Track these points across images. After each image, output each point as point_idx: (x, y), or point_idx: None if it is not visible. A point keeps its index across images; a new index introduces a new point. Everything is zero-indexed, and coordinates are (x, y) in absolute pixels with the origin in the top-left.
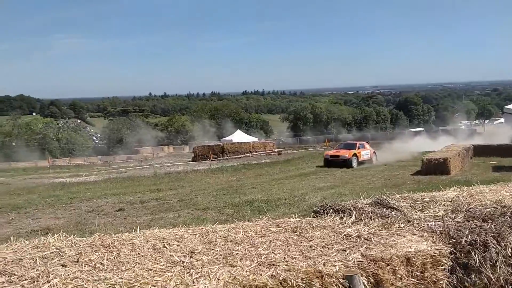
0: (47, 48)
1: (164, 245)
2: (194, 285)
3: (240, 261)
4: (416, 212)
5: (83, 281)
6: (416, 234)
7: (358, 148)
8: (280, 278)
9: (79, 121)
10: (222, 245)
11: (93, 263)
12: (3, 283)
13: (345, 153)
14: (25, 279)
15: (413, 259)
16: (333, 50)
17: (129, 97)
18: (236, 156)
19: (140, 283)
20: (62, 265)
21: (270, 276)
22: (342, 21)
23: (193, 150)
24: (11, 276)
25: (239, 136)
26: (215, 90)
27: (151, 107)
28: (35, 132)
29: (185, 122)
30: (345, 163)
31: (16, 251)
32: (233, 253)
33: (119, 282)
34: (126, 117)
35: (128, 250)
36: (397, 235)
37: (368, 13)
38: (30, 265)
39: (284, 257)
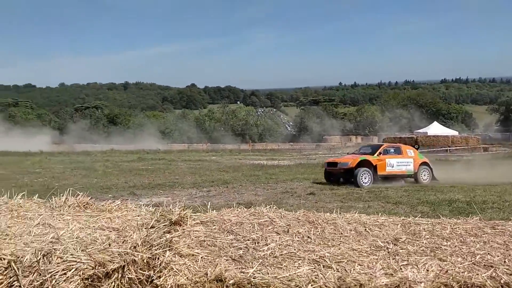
0: (248, 43)
1: (365, 229)
2: (402, 272)
3: (451, 256)
4: None
5: (295, 250)
6: None
7: (381, 154)
8: (501, 281)
9: (274, 110)
10: (428, 238)
11: (301, 236)
12: (232, 240)
13: (347, 160)
14: (248, 240)
15: None
16: None
17: (319, 87)
18: (431, 150)
19: (347, 261)
20: (276, 233)
21: (489, 277)
22: None
23: (383, 142)
24: (236, 236)
25: (435, 129)
26: (409, 78)
27: (340, 96)
28: (239, 118)
29: (375, 112)
30: (348, 176)
31: (237, 216)
32: (441, 247)
33: (327, 256)
34: (317, 106)
35: (331, 228)
36: None
37: None
38: (250, 229)
39: (504, 261)
